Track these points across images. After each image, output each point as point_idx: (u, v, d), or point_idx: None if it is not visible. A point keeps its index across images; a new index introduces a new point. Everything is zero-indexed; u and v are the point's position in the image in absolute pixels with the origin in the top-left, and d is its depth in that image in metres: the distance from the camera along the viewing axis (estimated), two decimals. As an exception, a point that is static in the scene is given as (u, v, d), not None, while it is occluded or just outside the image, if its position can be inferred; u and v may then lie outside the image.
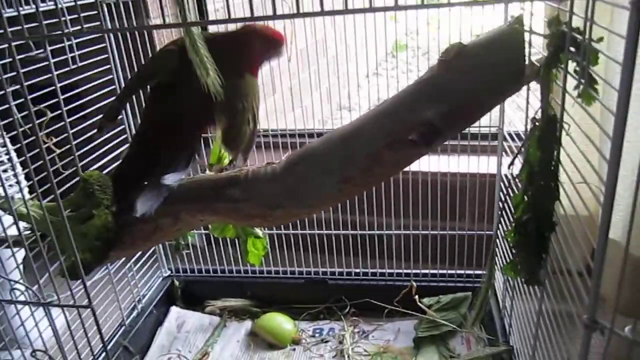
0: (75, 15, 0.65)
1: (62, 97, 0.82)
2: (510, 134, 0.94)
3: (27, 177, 0.86)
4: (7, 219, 0.73)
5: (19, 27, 0.60)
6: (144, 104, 1.03)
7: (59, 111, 0.83)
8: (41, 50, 0.74)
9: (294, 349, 1.09)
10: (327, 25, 1.11)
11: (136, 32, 1.06)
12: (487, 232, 1.10)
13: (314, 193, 0.68)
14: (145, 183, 0.72)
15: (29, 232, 0.73)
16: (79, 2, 0.66)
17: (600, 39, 0.49)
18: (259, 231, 0.95)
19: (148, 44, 1.08)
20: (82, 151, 0.91)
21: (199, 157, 0.81)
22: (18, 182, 0.89)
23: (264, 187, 0.70)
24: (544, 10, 0.84)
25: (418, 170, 1.16)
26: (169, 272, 1.27)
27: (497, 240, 0.90)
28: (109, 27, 0.97)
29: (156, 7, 1.18)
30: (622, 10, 0.38)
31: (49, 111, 0.85)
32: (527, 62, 0.58)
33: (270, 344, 1.11)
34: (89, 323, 0.75)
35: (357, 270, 1.18)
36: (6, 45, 0.62)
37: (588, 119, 0.53)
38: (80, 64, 0.90)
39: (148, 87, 0.82)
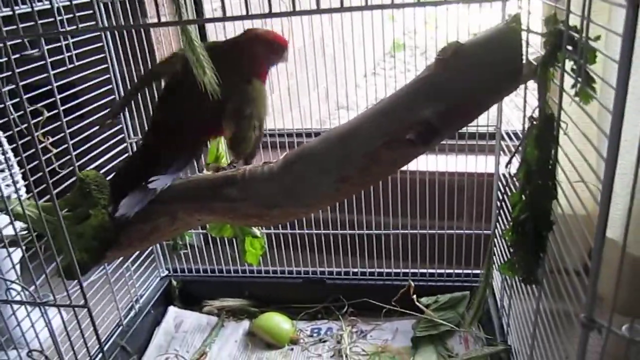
0: (71, 15, 0.65)
1: (58, 96, 0.82)
2: (508, 133, 0.94)
3: (24, 177, 0.86)
4: (4, 219, 0.73)
5: (14, 27, 0.60)
6: (142, 107, 1.03)
7: (56, 110, 0.83)
8: (36, 50, 0.74)
9: (292, 349, 1.09)
10: (325, 25, 1.11)
11: (133, 31, 1.06)
12: (485, 232, 1.10)
13: (312, 192, 0.68)
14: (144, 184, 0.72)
15: (25, 232, 0.73)
16: (74, 2, 0.65)
17: (598, 38, 0.49)
18: (256, 231, 0.95)
19: (145, 43, 1.08)
20: (79, 151, 0.91)
21: (196, 162, 0.81)
22: (14, 182, 0.88)
23: (261, 186, 0.69)
24: (541, 9, 0.84)
25: (416, 170, 1.17)
26: (166, 272, 1.27)
27: (495, 240, 0.90)
28: (105, 24, 0.97)
29: (153, 7, 1.18)
30: (620, 8, 0.38)
31: (45, 110, 0.85)
32: (524, 61, 0.58)
33: (268, 344, 1.11)
34: (85, 323, 0.75)
35: (355, 270, 1.18)
36: (1, 45, 0.62)
37: (586, 118, 0.53)
38: (77, 63, 0.89)
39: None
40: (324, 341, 1.10)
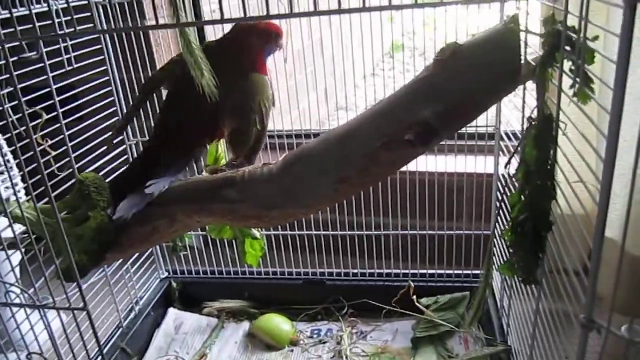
0: (69, 17, 0.65)
1: (57, 98, 0.82)
2: (506, 134, 0.94)
3: (23, 179, 0.86)
4: (2, 222, 0.73)
5: (12, 29, 0.60)
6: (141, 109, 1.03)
7: (55, 113, 0.83)
8: (34, 52, 0.74)
9: (292, 350, 1.09)
10: (323, 26, 1.11)
11: (132, 33, 1.06)
12: (484, 232, 1.10)
13: (311, 193, 0.68)
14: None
15: (25, 234, 0.73)
16: (72, 4, 0.65)
17: (596, 38, 0.49)
18: (256, 232, 0.94)
19: (144, 45, 1.08)
20: (78, 152, 0.91)
21: (196, 165, 0.81)
22: (13, 185, 0.88)
23: (260, 187, 0.69)
24: (539, 9, 0.84)
25: (415, 170, 1.17)
26: (166, 274, 1.27)
27: (495, 240, 0.90)
28: (104, 26, 0.97)
29: (151, 9, 1.18)
30: (617, 8, 0.38)
31: (44, 113, 0.85)
32: (522, 61, 0.58)
33: (268, 345, 1.11)
34: (85, 326, 0.75)
35: (355, 271, 1.18)
36: (-1, 47, 0.62)
37: (584, 118, 0.53)
38: (75, 66, 0.89)
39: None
40: (324, 342, 1.10)
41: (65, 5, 0.76)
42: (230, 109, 0.75)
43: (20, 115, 0.65)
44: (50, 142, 0.87)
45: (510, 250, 0.63)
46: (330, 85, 1.13)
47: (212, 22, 0.58)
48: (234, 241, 0.98)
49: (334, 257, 1.20)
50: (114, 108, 1.05)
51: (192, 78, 0.63)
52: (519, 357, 0.85)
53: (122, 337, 1.06)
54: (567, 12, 0.51)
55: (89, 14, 0.94)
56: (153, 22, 0.71)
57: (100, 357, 0.90)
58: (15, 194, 0.77)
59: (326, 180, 0.65)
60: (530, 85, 0.62)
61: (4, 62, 0.62)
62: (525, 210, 0.59)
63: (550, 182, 0.57)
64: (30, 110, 0.79)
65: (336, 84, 1.13)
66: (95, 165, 0.97)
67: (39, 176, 0.67)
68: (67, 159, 0.85)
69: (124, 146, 1.08)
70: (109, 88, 1.03)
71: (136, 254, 1.11)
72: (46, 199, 0.69)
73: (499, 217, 0.88)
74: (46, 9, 0.76)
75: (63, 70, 0.87)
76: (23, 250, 0.72)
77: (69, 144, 0.84)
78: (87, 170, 0.87)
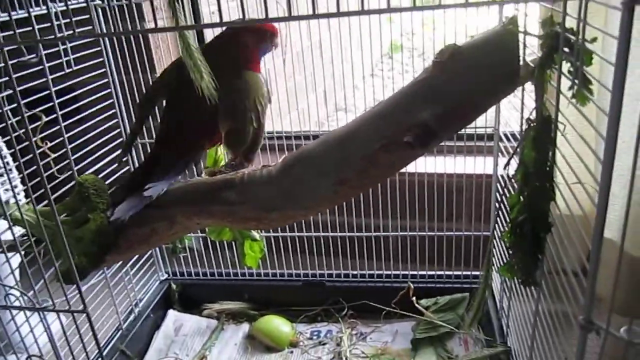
0: (68, 20, 0.65)
1: (57, 101, 0.82)
2: (506, 135, 0.95)
3: (23, 182, 0.86)
4: (2, 224, 0.73)
5: (11, 32, 0.60)
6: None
7: (54, 115, 0.83)
8: (33, 55, 0.74)
9: (292, 352, 1.09)
10: (322, 28, 1.11)
11: (131, 36, 1.06)
12: (483, 233, 1.10)
13: (310, 195, 0.68)
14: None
15: (24, 237, 0.73)
16: (71, 6, 0.65)
17: (594, 40, 0.49)
18: (255, 234, 0.94)
19: (143, 47, 1.08)
20: (77, 155, 0.91)
21: (195, 167, 0.81)
22: (13, 187, 0.88)
23: (259, 189, 0.69)
24: (538, 11, 0.84)
25: (414, 172, 1.17)
26: (166, 276, 1.27)
27: (494, 241, 0.90)
28: (103, 29, 0.97)
29: (150, 10, 1.18)
30: (616, 10, 0.39)
31: (43, 115, 0.85)
32: (521, 63, 0.58)
33: (268, 347, 1.11)
34: (84, 328, 0.75)
35: (355, 272, 1.18)
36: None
37: (583, 120, 0.53)
38: (74, 68, 0.89)
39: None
40: (324, 344, 1.10)
41: (65, 8, 0.76)
42: (225, 109, 0.75)
43: (20, 117, 0.65)
44: (49, 144, 0.87)
45: (510, 252, 0.63)
46: (329, 86, 1.13)
47: (212, 25, 0.59)
48: (233, 243, 0.98)
49: (334, 259, 1.20)
50: (114, 110, 1.05)
51: (192, 81, 0.63)
52: (519, 358, 0.85)
53: (121, 339, 1.06)
54: (566, 14, 0.51)
55: (88, 16, 0.94)
56: (152, 25, 0.72)
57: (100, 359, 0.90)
58: (15, 196, 0.77)
59: (325, 182, 0.66)
60: (529, 86, 0.62)
61: (3, 65, 0.62)
62: (524, 211, 0.59)
63: (549, 184, 0.57)
64: (30, 113, 0.80)
65: (335, 85, 1.13)
66: (95, 168, 0.97)
67: (38, 179, 0.67)
68: (67, 161, 0.85)
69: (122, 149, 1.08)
70: (109, 90, 1.03)
71: (136, 256, 1.11)
72: (46, 202, 0.69)
73: (498, 219, 0.88)
74: (45, 11, 0.76)
75: (62, 72, 0.87)
76: (23, 252, 0.72)
77: (69, 147, 0.84)
78: (86, 173, 0.87)
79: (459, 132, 0.98)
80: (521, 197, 0.60)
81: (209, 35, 1.37)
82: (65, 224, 0.71)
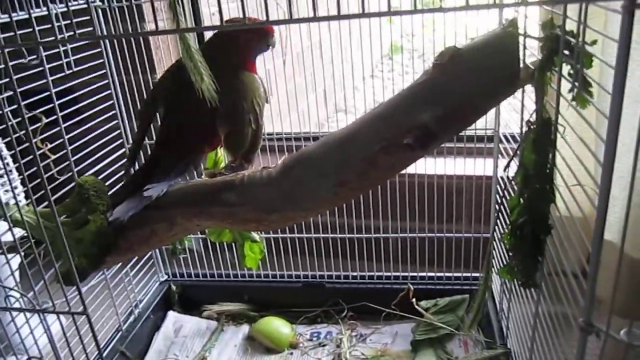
0: (69, 21, 0.65)
1: (57, 102, 0.82)
2: (505, 136, 0.95)
3: (23, 183, 0.86)
4: (2, 226, 0.73)
5: (12, 34, 0.60)
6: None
7: (55, 116, 0.83)
8: (34, 57, 0.74)
9: (292, 353, 1.09)
10: (322, 29, 1.11)
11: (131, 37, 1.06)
12: (483, 234, 1.10)
13: (310, 196, 0.68)
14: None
15: (24, 238, 0.73)
16: (71, 8, 0.65)
17: (594, 42, 0.49)
18: (255, 235, 0.95)
19: (143, 49, 1.08)
20: (77, 156, 0.91)
21: (195, 169, 0.81)
22: (13, 189, 0.88)
23: (259, 191, 0.69)
24: (538, 13, 0.84)
25: (414, 173, 1.17)
26: (165, 277, 1.27)
27: (494, 243, 0.90)
28: (103, 31, 0.97)
29: (151, 11, 1.18)
30: (615, 13, 0.39)
31: (44, 117, 0.85)
32: (521, 65, 0.59)
33: (268, 348, 1.11)
34: (84, 329, 0.75)
35: (355, 274, 1.18)
36: (-1, 52, 0.62)
37: (583, 122, 0.53)
38: (75, 69, 0.89)
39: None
40: (324, 345, 1.10)
41: (65, 9, 0.76)
42: (223, 111, 0.75)
43: (20, 119, 0.65)
44: (50, 145, 0.87)
45: (510, 254, 0.63)
46: (329, 87, 1.13)
47: (212, 27, 0.59)
48: (233, 244, 0.98)
49: (334, 260, 1.20)
50: (114, 111, 1.05)
51: (192, 83, 0.63)
52: None
53: (121, 340, 1.06)
54: (566, 17, 0.51)
55: (88, 17, 0.94)
56: (153, 25, 0.72)
57: (99, 361, 0.90)
58: (15, 197, 0.77)
59: (326, 183, 0.66)
60: (529, 88, 0.62)
61: (3, 66, 0.62)
62: (524, 213, 0.59)
63: (549, 186, 0.57)
64: (30, 114, 0.80)
65: (335, 86, 1.13)
66: (95, 169, 0.97)
67: (38, 180, 0.67)
68: (67, 162, 0.85)
69: (124, 149, 1.08)
70: (109, 91, 1.03)
71: (136, 257, 1.11)
72: (46, 203, 0.69)
73: (498, 220, 0.89)
74: (46, 12, 0.76)
75: (63, 74, 0.87)
76: (23, 254, 0.72)
77: (69, 148, 0.84)
78: (86, 174, 0.87)
79: (459, 134, 0.98)
80: (521, 200, 0.60)
81: (209, 37, 1.37)
82: (65, 225, 0.71)
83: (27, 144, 0.66)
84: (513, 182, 0.64)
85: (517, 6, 0.61)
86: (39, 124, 0.84)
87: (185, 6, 1.33)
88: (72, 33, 0.63)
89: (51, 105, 0.82)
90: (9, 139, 0.67)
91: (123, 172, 0.98)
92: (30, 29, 0.67)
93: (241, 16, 0.51)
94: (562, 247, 0.58)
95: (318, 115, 1.21)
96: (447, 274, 1.14)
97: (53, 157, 0.86)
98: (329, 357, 1.07)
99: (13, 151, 0.69)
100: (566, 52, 0.52)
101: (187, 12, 1.34)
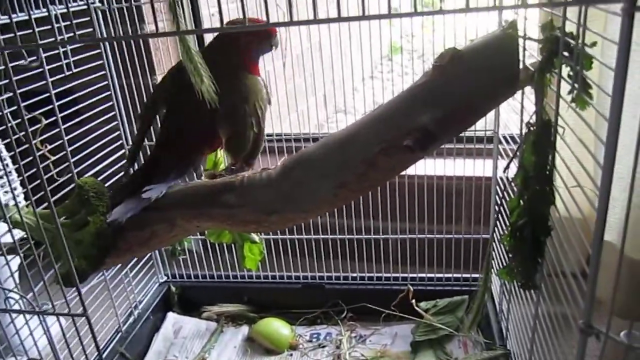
0: (69, 22, 0.65)
1: (57, 103, 0.82)
2: (505, 137, 0.95)
3: (23, 185, 0.86)
4: (2, 227, 0.73)
5: (12, 35, 0.60)
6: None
7: (54, 118, 0.83)
8: (34, 58, 0.74)
9: (291, 355, 1.09)
10: (322, 30, 1.11)
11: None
12: (483, 236, 1.10)
13: (310, 198, 0.68)
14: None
15: (24, 240, 0.73)
16: (71, 9, 0.65)
17: (594, 44, 0.49)
18: (255, 236, 0.95)
19: (143, 50, 1.08)
20: (77, 157, 0.91)
21: (195, 171, 0.81)
22: (12, 190, 0.88)
23: (259, 192, 0.69)
24: (537, 15, 0.85)
25: (414, 174, 1.17)
26: (165, 278, 1.26)
27: (493, 244, 0.90)
28: (103, 32, 0.97)
29: (151, 12, 1.18)
30: (615, 15, 0.39)
31: (43, 118, 0.85)
32: (521, 67, 0.59)
33: (268, 350, 1.11)
34: (84, 331, 0.75)
35: (354, 275, 1.18)
36: (-1, 53, 0.62)
37: (582, 123, 0.53)
38: (75, 70, 0.89)
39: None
40: (323, 346, 1.10)
41: (65, 11, 0.76)
42: (225, 114, 0.75)
43: (20, 120, 0.65)
44: (49, 147, 0.87)
45: (510, 255, 0.63)
46: (329, 88, 1.13)
47: (212, 30, 0.59)
48: (233, 245, 0.98)
49: (333, 261, 1.20)
50: (113, 113, 1.05)
51: (192, 84, 0.63)
52: (518, 361, 0.85)
53: (121, 341, 1.06)
54: (566, 19, 0.51)
55: (88, 18, 0.94)
56: (153, 27, 0.72)
57: (99, 362, 0.90)
58: (14, 199, 0.77)
59: (325, 185, 0.66)
60: (529, 89, 0.62)
61: (3, 67, 0.62)
62: (524, 215, 0.59)
63: (549, 188, 0.57)
64: (30, 116, 0.80)
65: (335, 87, 1.13)
66: (95, 170, 0.97)
67: (38, 181, 0.67)
68: (67, 163, 0.85)
69: (123, 151, 1.08)
70: (108, 93, 1.03)
71: (135, 259, 1.11)
72: (45, 204, 0.69)
73: (497, 221, 0.89)
74: (46, 14, 0.76)
75: (62, 75, 0.87)
76: (22, 255, 0.72)
77: (68, 149, 0.84)
78: (86, 175, 0.87)
79: (459, 135, 0.98)
80: (521, 201, 0.60)
81: (209, 37, 1.37)
82: (65, 226, 0.71)
83: (26, 145, 0.66)
84: (513, 184, 0.64)
85: (517, 9, 0.61)
86: (39, 125, 0.84)
87: (185, 8, 1.33)
88: (72, 34, 0.63)
89: (51, 107, 0.82)
90: (8, 140, 0.67)
91: (123, 173, 0.98)
92: (30, 30, 0.67)
93: (243, 17, 0.51)
94: (562, 249, 0.58)
95: (318, 116, 1.21)
96: (446, 275, 1.14)
97: (53, 158, 0.86)
98: (329, 358, 1.06)
99: (13, 152, 0.69)
100: (566, 53, 0.52)
101: (186, 14, 1.34)
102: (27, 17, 0.65)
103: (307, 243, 1.21)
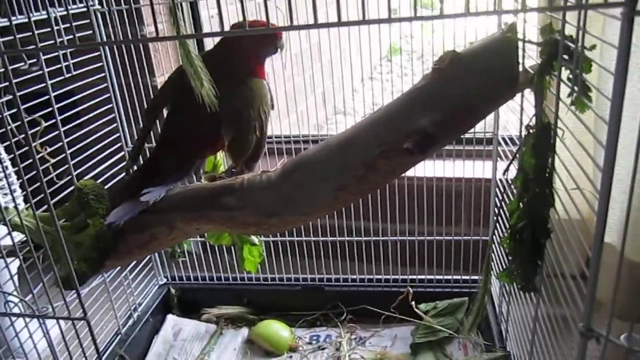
0: (68, 25, 0.65)
1: (56, 105, 0.82)
2: (504, 139, 0.95)
3: (22, 187, 0.86)
4: (1, 230, 0.72)
5: (11, 37, 0.60)
6: (140, 115, 1.03)
7: (54, 120, 0.83)
8: (34, 61, 0.74)
9: (291, 357, 1.09)
10: (321, 31, 1.12)
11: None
12: (483, 237, 1.10)
13: (310, 200, 0.68)
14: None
15: (23, 242, 0.73)
16: (71, 11, 0.65)
17: (593, 47, 0.49)
18: (254, 238, 0.94)
19: (143, 52, 1.08)
20: (77, 159, 0.91)
21: (195, 174, 0.81)
22: (12, 192, 0.88)
23: (259, 195, 0.69)
24: (536, 17, 0.85)
25: (414, 176, 1.17)
26: (164, 280, 1.26)
27: (493, 246, 0.90)
28: (103, 34, 0.97)
29: (151, 15, 1.18)
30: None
31: (43, 120, 0.85)
32: (520, 70, 0.59)
33: (267, 352, 1.10)
34: (83, 334, 0.74)
35: (354, 277, 1.18)
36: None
37: (582, 125, 0.53)
38: (74, 73, 0.89)
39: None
40: (323, 348, 1.10)
41: (65, 13, 0.76)
42: (229, 117, 0.75)
43: (20, 123, 0.65)
44: (49, 149, 0.87)
45: (509, 258, 0.63)
46: (328, 88, 1.13)
47: (213, 34, 0.59)
48: (232, 247, 0.98)
49: (333, 263, 1.20)
50: (113, 115, 1.04)
51: (192, 88, 0.63)
52: (518, 363, 0.86)
53: (120, 344, 1.06)
54: (565, 22, 0.51)
55: (88, 20, 0.94)
56: (152, 28, 0.72)
57: (99, 365, 0.90)
58: (14, 201, 0.77)
59: (325, 187, 0.66)
60: (528, 92, 0.62)
61: (3, 70, 0.62)
62: (523, 217, 0.60)
63: (548, 190, 0.57)
64: (30, 118, 0.79)
65: (334, 88, 1.13)
66: (95, 172, 0.97)
67: (38, 184, 0.67)
68: (66, 166, 0.85)
69: (123, 153, 1.08)
70: (108, 95, 1.03)
71: (135, 261, 1.11)
72: (45, 207, 0.69)
73: (497, 223, 0.89)
74: (45, 16, 0.76)
75: (62, 77, 0.87)
76: (22, 258, 0.72)
77: (68, 152, 0.84)
78: (86, 177, 0.87)
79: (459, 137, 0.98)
80: (520, 204, 0.60)
81: (209, 40, 1.37)
82: (65, 229, 0.71)
83: (26, 148, 0.65)
84: (512, 186, 0.64)
85: (516, 14, 0.61)
86: (39, 128, 0.84)
87: (184, 9, 1.33)
88: (71, 36, 0.63)
89: (50, 109, 0.82)
90: (8, 142, 0.67)
91: (124, 174, 0.97)
92: (30, 33, 0.67)
93: (249, 20, 0.51)
94: (562, 251, 0.58)
95: (317, 116, 1.21)
96: (446, 277, 1.14)
97: (52, 160, 0.86)
98: (329, 360, 1.07)
99: (12, 155, 0.69)
100: (565, 56, 0.53)
101: (186, 16, 1.34)
102: (26, 20, 0.65)
103: (306, 245, 1.21)
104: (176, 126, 0.79)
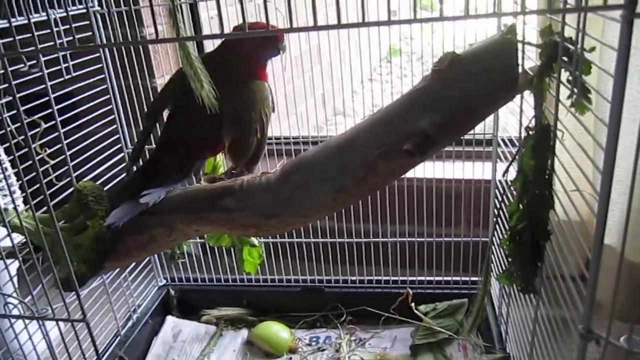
0: (68, 26, 0.65)
1: (56, 107, 0.82)
2: (504, 140, 0.95)
3: (22, 189, 0.86)
4: (1, 231, 0.72)
5: (11, 39, 0.60)
6: (139, 117, 1.03)
7: (53, 121, 0.83)
8: (34, 62, 0.74)
9: (291, 358, 1.09)
10: (321, 32, 1.11)
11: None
12: (482, 239, 1.10)
13: (309, 202, 0.68)
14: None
15: (23, 244, 0.73)
16: (71, 13, 0.65)
17: (593, 49, 0.49)
18: (254, 240, 0.94)
19: (142, 53, 1.08)
20: (76, 161, 0.91)
21: (195, 176, 0.81)
22: (11, 194, 0.88)
23: (258, 196, 0.69)
24: (536, 19, 0.85)
25: (413, 177, 1.17)
26: (164, 282, 1.26)
27: (493, 247, 0.90)
28: (102, 36, 0.97)
29: (150, 16, 1.18)
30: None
31: (42, 122, 0.85)
32: (520, 71, 0.59)
33: (267, 353, 1.10)
34: (83, 335, 0.74)
35: (354, 278, 1.18)
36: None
37: (581, 127, 0.53)
38: (74, 74, 0.89)
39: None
40: (323, 350, 1.10)
41: (65, 15, 0.76)
42: (230, 118, 0.75)
43: (19, 124, 0.65)
44: (49, 151, 0.87)
45: (509, 259, 0.63)
46: (328, 90, 1.14)
47: (213, 36, 0.59)
48: (232, 249, 0.98)
49: (333, 265, 1.20)
50: (113, 116, 1.05)
51: (193, 90, 0.63)
52: (518, 364, 0.85)
53: (120, 345, 1.06)
54: (565, 24, 0.51)
55: (87, 22, 0.94)
56: (152, 30, 0.72)
57: (98, 367, 0.90)
58: (13, 203, 0.77)
59: (325, 189, 0.66)
60: (528, 93, 0.62)
61: (2, 72, 0.62)
62: (523, 219, 0.60)
63: (548, 192, 0.57)
64: (29, 120, 0.79)
65: (334, 89, 1.13)
66: (94, 174, 0.97)
67: (37, 185, 0.67)
68: (66, 167, 0.85)
69: (122, 154, 1.08)
70: (107, 96, 1.03)
71: (134, 262, 1.11)
72: (45, 208, 0.69)
73: (497, 224, 0.89)
74: (45, 18, 0.76)
75: (62, 79, 0.87)
76: (21, 259, 0.72)
77: (68, 153, 0.84)
78: (85, 179, 0.87)
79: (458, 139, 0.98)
80: (520, 205, 0.60)
81: (208, 43, 1.37)
82: (64, 230, 0.71)
83: (26, 149, 0.66)
84: (512, 187, 0.64)
85: (516, 16, 0.61)
86: (38, 129, 0.84)
87: (184, 11, 1.33)
88: (71, 38, 0.63)
89: (50, 110, 0.82)
90: (8, 144, 0.67)
91: (124, 175, 0.97)
92: (29, 34, 0.67)
93: (250, 22, 0.51)
94: (561, 253, 0.58)
95: (317, 118, 1.21)
96: (446, 278, 1.14)
97: (52, 162, 0.86)
98: (328, 362, 1.06)
99: (12, 156, 0.69)
100: (565, 58, 0.53)
101: (185, 18, 1.34)
102: (26, 21, 0.65)
103: (306, 246, 1.21)
104: (176, 128, 0.79)
